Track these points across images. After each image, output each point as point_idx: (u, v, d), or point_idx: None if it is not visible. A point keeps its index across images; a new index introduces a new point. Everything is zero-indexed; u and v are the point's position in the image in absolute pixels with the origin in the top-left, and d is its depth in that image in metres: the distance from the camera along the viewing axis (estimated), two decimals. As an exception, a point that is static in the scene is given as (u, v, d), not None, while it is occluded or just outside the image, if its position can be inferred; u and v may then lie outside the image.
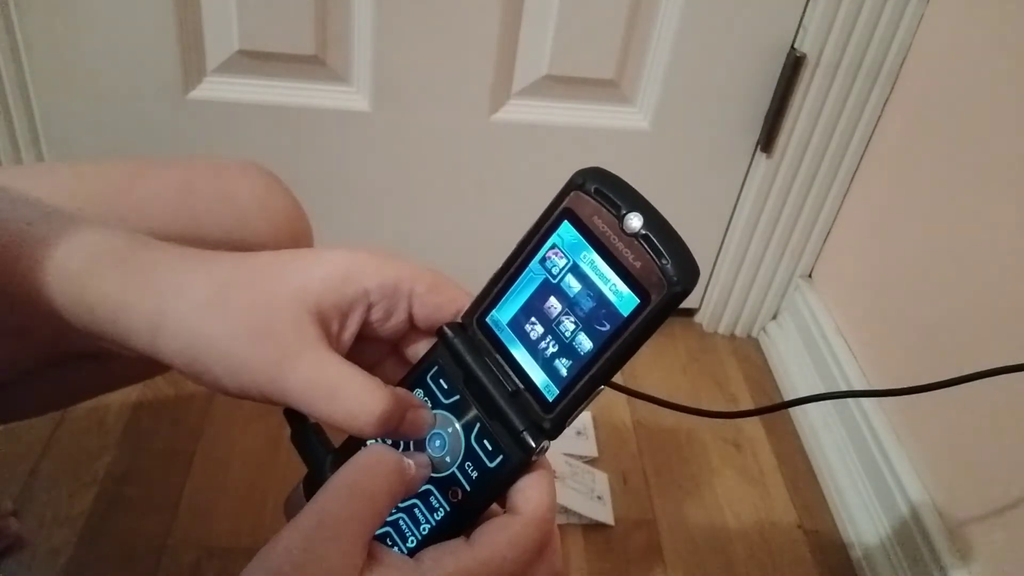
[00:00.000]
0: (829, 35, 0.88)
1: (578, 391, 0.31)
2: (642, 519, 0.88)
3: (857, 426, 0.90)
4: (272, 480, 0.85)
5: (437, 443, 0.33)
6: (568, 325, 0.31)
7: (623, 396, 1.02)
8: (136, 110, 0.90)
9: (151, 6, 0.83)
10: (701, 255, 1.09)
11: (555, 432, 0.32)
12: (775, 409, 0.97)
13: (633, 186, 0.31)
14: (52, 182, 0.46)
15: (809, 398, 0.67)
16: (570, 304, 0.31)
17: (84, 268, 0.33)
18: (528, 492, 0.32)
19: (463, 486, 0.33)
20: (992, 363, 0.70)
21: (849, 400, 0.93)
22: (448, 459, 0.33)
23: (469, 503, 0.32)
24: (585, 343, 0.31)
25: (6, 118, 0.88)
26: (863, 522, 0.87)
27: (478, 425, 0.33)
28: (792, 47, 0.91)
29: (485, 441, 0.32)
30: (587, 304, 0.31)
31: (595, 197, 0.31)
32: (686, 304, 1.04)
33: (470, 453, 0.32)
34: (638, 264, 0.29)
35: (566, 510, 0.86)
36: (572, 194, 0.31)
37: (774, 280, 1.09)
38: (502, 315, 0.33)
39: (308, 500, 0.33)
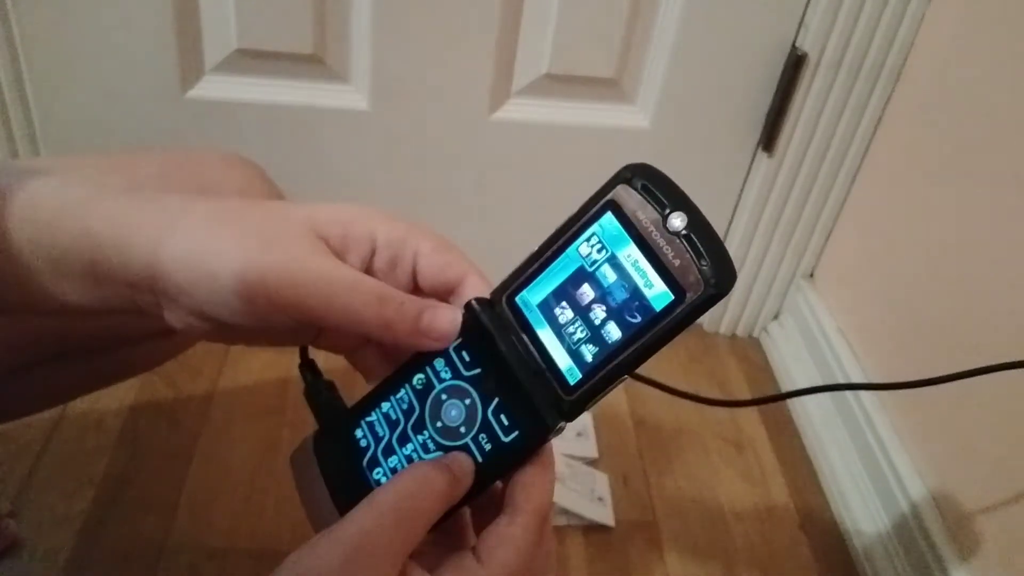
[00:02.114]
0: (830, 34, 0.88)
1: (601, 378, 0.31)
2: (643, 520, 0.88)
3: (859, 426, 0.90)
4: (271, 481, 0.85)
5: (453, 412, 0.34)
6: (599, 313, 0.32)
7: (623, 397, 1.02)
8: (134, 109, 0.90)
9: (149, 5, 0.83)
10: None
11: (573, 414, 0.32)
12: (774, 400, 0.97)
13: (680, 187, 0.31)
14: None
15: (808, 390, 0.67)
16: (603, 293, 0.32)
17: (87, 197, 0.32)
18: (530, 489, 0.32)
19: (475, 458, 0.33)
20: (994, 362, 0.70)
21: (851, 400, 0.92)
22: (463, 430, 0.33)
23: (479, 476, 0.33)
24: (614, 333, 0.31)
25: (3, 117, 0.88)
26: (864, 522, 0.86)
27: (497, 399, 0.33)
28: (793, 46, 0.91)
29: (502, 416, 0.33)
30: (620, 295, 0.31)
31: (641, 192, 0.31)
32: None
33: (486, 426, 0.33)
34: (677, 262, 0.30)
35: (566, 511, 0.86)
36: (618, 187, 0.32)
37: (775, 280, 1.09)
38: (533, 296, 0.33)
39: (315, 454, 0.35)
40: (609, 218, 0.32)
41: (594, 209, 0.32)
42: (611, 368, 0.31)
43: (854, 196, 0.99)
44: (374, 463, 0.34)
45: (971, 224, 0.79)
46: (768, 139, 0.96)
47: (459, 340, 0.34)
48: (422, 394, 0.34)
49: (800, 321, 1.06)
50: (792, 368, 1.06)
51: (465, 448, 0.33)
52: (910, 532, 0.80)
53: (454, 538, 0.34)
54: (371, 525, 0.29)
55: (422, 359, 0.34)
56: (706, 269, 0.30)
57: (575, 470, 0.90)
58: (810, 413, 0.99)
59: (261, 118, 0.91)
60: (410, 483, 0.31)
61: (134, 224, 0.31)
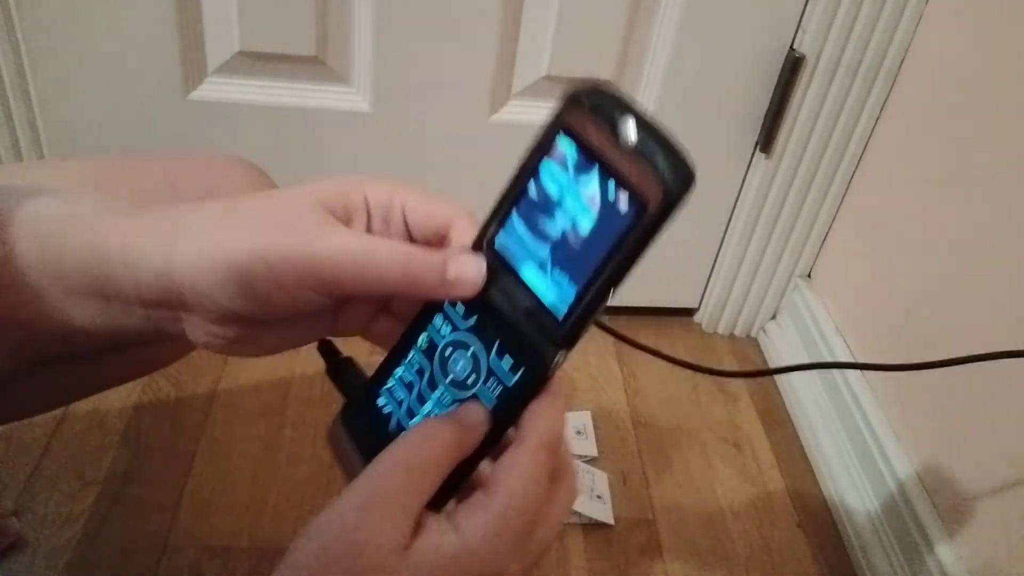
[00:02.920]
0: (828, 36, 0.88)
1: (587, 302, 0.31)
2: (642, 518, 0.88)
3: (857, 426, 0.91)
4: (273, 480, 0.85)
5: (460, 365, 0.34)
6: (573, 238, 0.32)
7: (623, 396, 1.03)
8: (137, 111, 0.90)
9: (152, 7, 0.83)
10: (700, 255, 1.09)
11: (570, 343, 0.32)
12: (766, 374, 1.00)
13: (629, 98, 0.31)
14: (37, 176, 0.46)
15: (798, 366, 0.67)
16: (572, 219, 0.32)
17: (92, 213, 0.33)
18: (536, 418, 0.33)
19: (486, 405, 0.34)
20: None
21: (847, 397, 0.93)
22: (471, 380, 0.34)
23: (493, 421, 0.33)
24: (590, 256, 0.31)
25: (7, 119, 0.88)
26: (862, 521, 0.87)
27: (496, 344, 0.33)
28: (791, 48, 0.91)
29: (504, 359, 0.33)
30: (588, 217, 0.31)
31: (591, 111, 0.31)
32: (686, 304, 1.05)
33: (490, 372, 0.34)
34: (635, 171, 0.30)
35: (566, 509, 0.86)
36: (568, 110, 0.32)
37: (773, 280, 1.09)
38: (509, 237, 0.34)
39: (345, 429, 0.36)
40: (565, 141, 0.32)
41: (549, 137, 0.32)
42: (595, 291, 0.31)
43: (851, 196, 1.00)
44: (400, 427, 0.36)
45: (967, 224, 0.79)
46: (766, 140, 0.97)
47: None
48: (429, 353, 0.35)
49: (797, 321, 1.07)
50: (790, 368, 1.06)
51: (475, 397, 0.34)
52: (906, 527, 0.80)
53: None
54: (382, 478, 0.30)
55: (423, 320, 0.36)
56: (664, 176, 0.29)
57: (575, 468, 0.90)
58: (807, 411, 1.00)
59: (263, 120, 0.92)
60: (416, 436, 0.32)
61: (143, 235, 0.31)
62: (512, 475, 0.31)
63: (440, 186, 0.99)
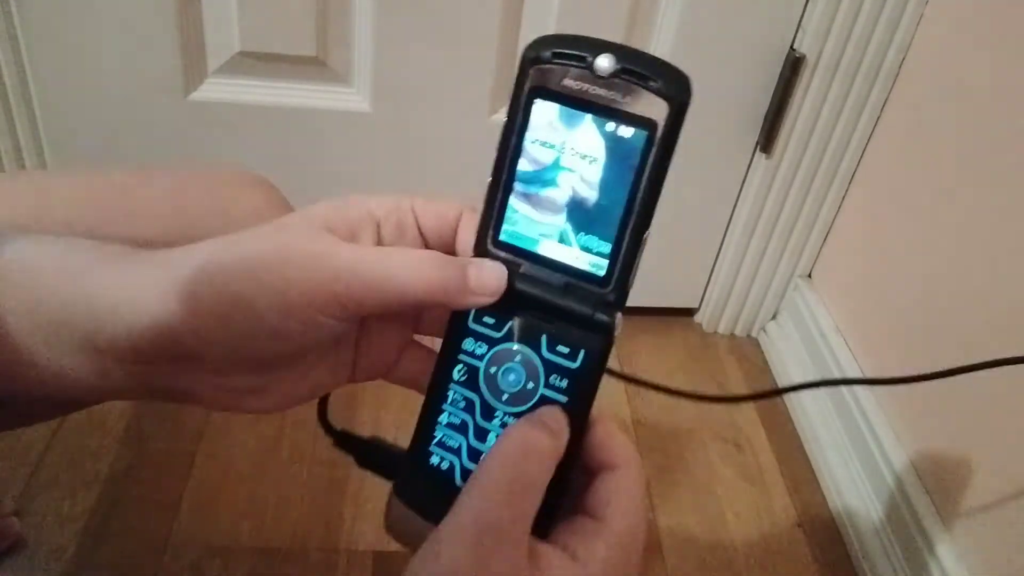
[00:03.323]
0: (828, 36, 0.88)
1: (627, 250, 0.30)
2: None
3: (857, 425, 0.91)
4: (273, 479, 0.85)
5: (512, 377, 0.32)
6: (587, 195, 0.30)
7: (623, 398, 1.03)
8: (137, 112, 0.90)
9: (152, 8, 0.83)
10: (700, 255, 1.09)
11: (622, 300, 0.31)
12: (771, 395, 0.96)
13: (581, 35, 0.30)
14: (47, 190, 0.45)
15: (806, 384, 0.68)
16: (580, 176, 0.30)
17: (85, 263, 0.31)
18: (610, 441, 0.31)
19: (559, 400, 0.31)
20: (991, 359, 0.70)
21: (848, 398, 0.93)
22: (530, 385, 0.32)
23: (572, 413, 0.31)
24: (612, 202, 0.30)
25: (8, 120, 0.88)
26: (862, 521, 0.87)
27: (544, 336, 0.31)
28: (791, 48, 0.91)
29: (559, 346, 0.31)
30: (596, 165, 0.30)
31: (555, 61, 0.30)
32: (686, 304, 1.05)
33: (550, 366, 0.31)
34: (629, 99, 0.29)
35: (566, 509, 0.86)
36: (531, 71, 0.31)
37: (773, 280, 1.09)
38: (514, 226, 0.32)
39: (407, 506, 0.32)
40: (540, 106, 0.30)
41: (524, 108, 0.31)
42: (630, 234, 0.30)
43: (851, 196, 1.00)
44: (467, 473, 0.32)
45: (968, 224, 0.79)
46: (766, 140, 0.97)
47: (474, 311, 0.32)
48: (471, 382, 0.32)
49: (798, 321, 1.07)
50: (790, 367, 1.06)
51: (544, 400, 0.31)
52: (907, 529, 0.80)
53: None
54: (485, 507, 0.27)
55: (450, 353, 0.33)
56: (660, 88, 0.28)
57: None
58: (808, 412, 1.00)
59: (263, 120, 0.92)
60: (512, 449, 0.29)
61: (136, 283, 0.29)
62: (624, 499, 0.30)
63: (440, 186, 1.00)
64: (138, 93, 0.89)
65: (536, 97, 0.30)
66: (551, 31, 0.88)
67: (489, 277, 0.31)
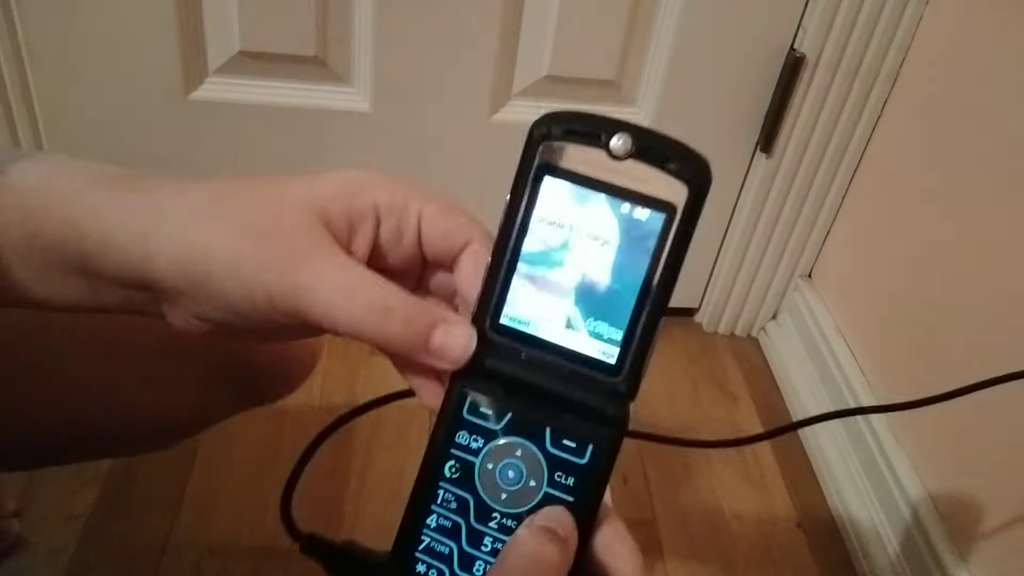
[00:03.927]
0: (828, 36, 0.88)
1: (641, 337, 0.28)
2: (642, 519, 0.88)
3: (856, 425, 0.90)
4: (273, 480, 0.85)
5: (511, 474, 0.29)
6: (598, 279, 0.28)
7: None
8: (137, 111, 0.90)
9: (152, 8, 0.83)
10: (700, 255, 1.09)
11: (634, 391, 0.29)
12: (788, 430, 0.90)
13: (595, 113, 0.29)
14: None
15: (817, 418, 0.67)
16: (591, 259, 0.28)
17: (74, 188, 0.30)
18: (619, 550, 0.29)
19: (564, 500, 0.29)
20: (992, 363, 0.70)
21: (848, 399, 0.93)
22: (533, 483, 0.29)
23: (579, 514, 0.29)
24: (625, 287, 0.28)
25: (8, 119, 0.88)
26: (862, 521, 0.87)
27: (548, 429, 0.29)
28: (792, 48, 0.91)
29: (564, 441, 0.29)
30: (609, 248, 0.28)
31: (567, 139, 0.28)
32: (686, 304, 1.04)
33: (554, 462, 0.29)
34: (647, 181, 0.27)
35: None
36: (541, 147, 0.28)
37: (774, 280, 1.09)
38: (517, 308, 0.29)
39: None
40: (549, 184, 0.28)
41: (532, 186, 0.29)
42: (645, 320, 0.28)
43: (852, 196, 1.00)
44: None
45: (967, 224, 0.79)
46: (766, 140, 0.97)
47: (467, 400, 0.30)
48: (464, 480, 0.29)
49: (798, 321, 1.07)
50: (790, 367, 1.06)
51: (547, 499, 0.29)
52: (908, 530, 0.80)
53: None
54: None
55: (439, 447, 0.30)
56: (679, 171, 0.27)
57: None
58: (808, 412, 1.00)
59: (263, 120, 0.92)
60: (519, 566, 0.27)
61: (120, 220, 0.29)
62: None
63: (440, 186, 0.99)
64: (138, 93, 0.89)
65: (545, 174, 0.28)
66: (551, 31, 0.88)
67: (453, 346, 0.29)
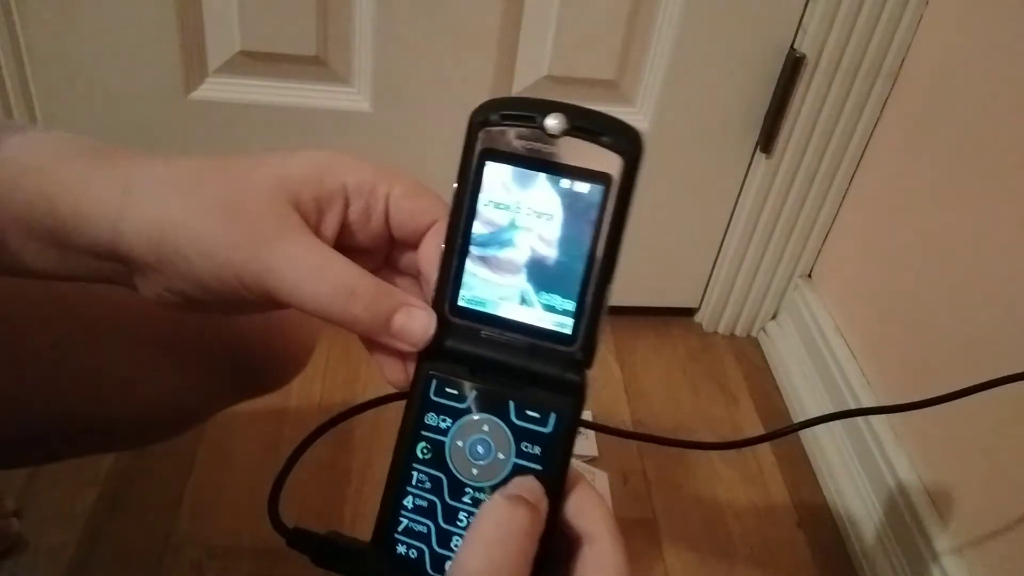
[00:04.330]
0: (828, 36, 0.88)
1: (592, 305, 0.30)
2: (642, 518, 0.88)
3: (856, 424, 0.91)
4: (273, 479, 0.85)
5: (480, 449, 0.30)
6: (546, 254, 0.30)
7: (623, 396, 1.03)
8: (138, 111, 0.90)
9: (152, 7, 0.83)
10: (700, 255, 1.09)
11: (590, 358, 0.30)
12: (785, 433, 0.89)
13: (528, 96, 0.30)
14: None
15: (817, 419, 0.67)
16: (538, 235, 0.30)
17: (47, 160, 0.31)
18: (591, 512, 0.30)
19: (533, 469, 0.30)
20: (993, 363, 0.70)
21: (848, 397, 0.93)
22: (502, 455, 0.30)
23: (548, 482, 0.30)
24: (572, 259, 0.30)
25: (8, 119, 0.88)
26: (862, 521, 0.87)
27: (512, 402, 0.30)
28: (792, 47, 0.91)
29: (528, 411, 0.30)
30: (554, 223, 0.30)
31: (504, 123, 0.30)
32: (686, 303, 1.04)
33: (521, 433, 0.30)
34: (583, 156, 0.29)
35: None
36: (480, 134, 0.31)
37: (773, 280, 1.09)
38: (473, 290, 0.31)
39: None
40: (492, 168, 0.30)
41: (476, 170, 0.30)
42: (593, 291, 0.30)
43: (851, 196, 1.00)
44: (438, 560, 0.31)
45: (968, 224, 0.79)
46: (766, 140, 0.97)
47: (433, 381, 0.31)
48: (436, 460, 0.31)
49: (798, 321, 1.07)
50: (790, 367, 1.06)
51: (516, 470, 0.30)
52: (908, 531, 0.80)
53: None
54: None
55: (410, 430, 0.31)
56: (612, 143, 0.29)
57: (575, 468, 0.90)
58: (808, 411, 1.00)
59: (263, 120, 0.92)
60: (491, 531, 0.27)
61: (91, 193, 0.29)
62: (607, 571, 0.29)
63: (441, 186, 0.99)
64: (138, 93, 0.89)
65: (488, 159, 0.30)
66: (551, 31, 0.88)
67: (414, 328, 0.30)
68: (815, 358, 1.02)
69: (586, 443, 0.95)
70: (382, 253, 0.34)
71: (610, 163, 0.29)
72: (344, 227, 0.32)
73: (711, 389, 1.06)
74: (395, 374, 0.32)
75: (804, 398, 1.01)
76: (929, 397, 0.61)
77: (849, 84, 0.92)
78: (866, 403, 0.90)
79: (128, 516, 0.80)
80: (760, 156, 0.99)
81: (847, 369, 0.95)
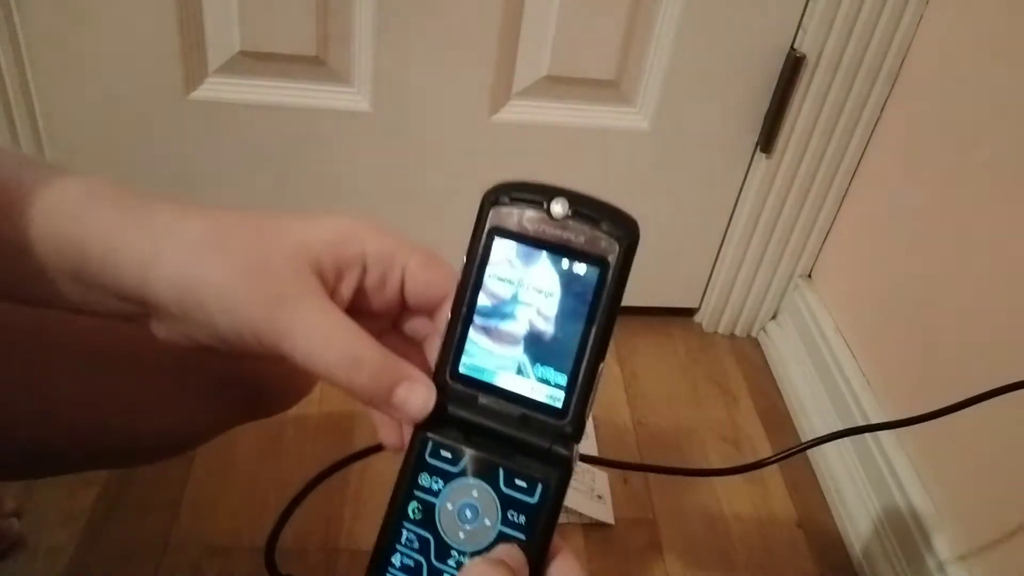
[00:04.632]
0: (829, 35, 0.88)
1: (583, 381, 0.31)
2: (642, 518, 0.88)
3: (856, 423, 0.90)
4: (273, 479, 0.85)
5: (468, 513, 0.32)
6: (543, 328, 0.32)
7: (623, 396, 1.03)
8: (137, 111, 0.90)
9: (152, 7, 0.83)
10: (700, 255, 1.09)
11: (578, 433, 0.32)
12: (797, 451, 0.88)
13: (538, 181, 0.32)
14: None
15: (826, 437, 0.67)
16: (536, 310, 0.32)
17: (78, 206, 0.32)
18: None
19: (516, 538, 0.31)
20: (994, 365, 0.70)
21: (848, 398, 0.93)
22: (488, 521, 0.31)
23: (530, 551, 0.31)
24: (568, 335, 0.31)
25: (8, 119, 0.88)
26: (862, 521, 0.87)
27: (501, 470, 0.32)
28: (792, 47, 0.91)
29: (516, 480, 0.32)
30: (553, 300, 0.31)
31: (513, 204, 0.32)
32: (686, 304, 1.05)
33: (507, 501, 0.31)
34: (582, 239, 0.31)
35: (566, 509, 0.86)
36: (491, 212, 0.32)
37: (774, 280, 1.09)
38: (474, 358, 0.33)
39: None
40: (500, 244, 0.32)
41: (485, 245, 0.32)
42: (585, 368, 0.31)
43: (852, 196, 1.00)
44: None
45: (967, 224, 0.79)
46: (766, 140, 0.97)
47: (429, 444, 0.33)
48: (426, 520, 0.32)
49: (798, 321, 1.07)
50: (790, 367, 1.06)
51: (501, 537, 0.31)
52: (908, 531, 0.80)
53: None
54: None
55: (404, 489, 0.33)
56: (610, 229, 0.31)
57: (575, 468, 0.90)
58: (807, 411, 1.00)
59: (263, 120, 0.92)
60: None
61: (123, 245, 0.31)
62: None
63: (440, 186, 1.00)
64: (138, 93, 0.89)
65: (495, 236, 0.32)
66: (551, 31, 0.88)
67: (414, 402, 0.32)
68: (815, 358, 1.02)
69: (586, 443, 0.95)
70: (392, 317, 0.36)
71: (608, 248, 0.31)
72: (359, 292, 0.34)
73: (711, 389, 1.06)
74: (391, 437, 0.34)
75: (804, 398, 1.01)
76: (934, 409, 0.61)
77: (849, 84, 0.92)
78: (866, 403, 0.90)
79: (128, 516, 0.80)
80: (760, 156, 0.99)
81: (847, 369, 0.95)
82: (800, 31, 0.90)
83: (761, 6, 0.89)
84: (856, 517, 0.88)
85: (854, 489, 0.89)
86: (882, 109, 0.94)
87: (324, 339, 0.31)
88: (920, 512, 0.79)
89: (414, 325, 0.36)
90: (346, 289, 0.33)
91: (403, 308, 0.35)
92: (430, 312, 0.35)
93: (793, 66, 0.91)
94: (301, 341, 0.30)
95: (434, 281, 0.34)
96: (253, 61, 0.89)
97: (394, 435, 0.34)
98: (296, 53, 0.88)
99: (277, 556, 0.41)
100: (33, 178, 0.32)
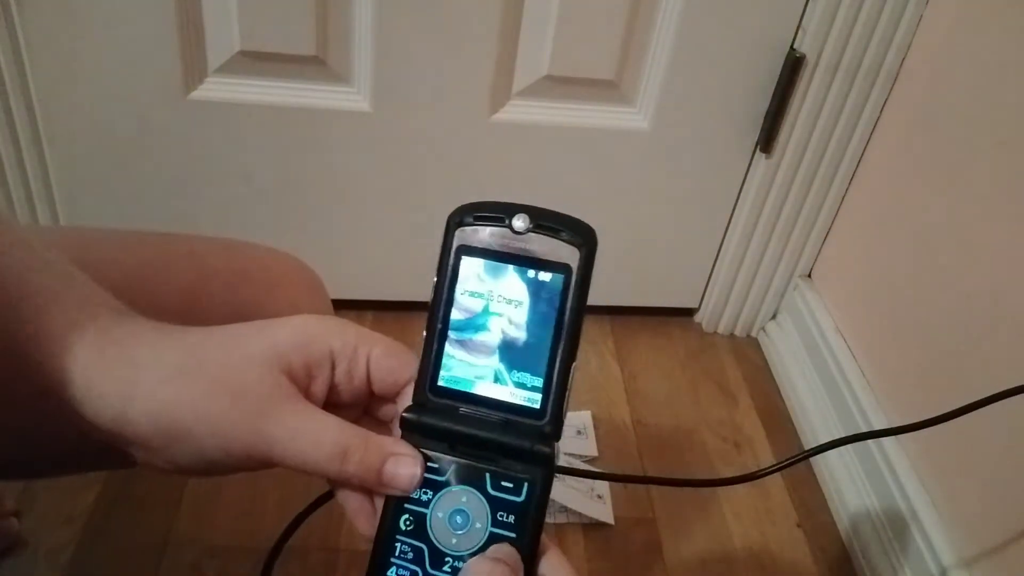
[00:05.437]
0: (828, 36, 0.88)
1: (557, 381, 0.33)
2: (642, 518, 0.88)
3: (856, 425, 0.91)
4: (273, 479, 0.85)
5: (459, 519, 0.33)
6: (516, 336, 0.33)
7: (623, 396, 1.03)
8: (137, 111, 0.90)
9: (152, 7, 0.83)
10: (700, 255, 1.09)
11: (558, 431, 0.33)
12: (796, 462, 0.89)
13: (497, 200, 0.34)
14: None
15: (830, 444, 0.67)
16: (508, 320, 0.33)
17: (67, 327, 0.33)
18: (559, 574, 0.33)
19: (508, 537, 0.33)
20: (995, 366, 0.70)
21: (848, 398, 0.93)
22: (479, 524, 0.33)
23: (521, 548, 0.32)
24: (539, 340, 0.33)
25: (8, 119, 0.88)
26: (862, 521, 0.87)
27: (488, 474, 0.33)
28: (791, 47, 0.91)
29: (503, 482, 0.33)
30: (522, 308, 0.33)
31: (477, 223, 0.34)
32: (685, 304, 1.05)
33: (496, 503, 0.33)
34: (546, 249, 0.33)
35: (566, 509, 0.86)
36: (456, 232, 0.34)
37: (773, 280, 1.09)
38: (451, 370, 0.34)
39: None
40: (467, 261, 0.34)
41: (453, 265, 0.34)
42: (559, 369, 0.33)
43: (851, 196, 1.00)
44: None
45: (967, 224, 0.79)
46: (766, 140, 0.97)
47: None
48: (418, 531, 0.33)
49: (798, 321, 1.07)
50: (790, 367, 1.06)
51: (493, 538, 0.33)
52: (908, 530, 0.80)
53: None
54: None
55: (393, 504, 0.34)
56: (570, 237, 0.33)
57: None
58: (807, 411, 1.00)
59: (263, 120, 0.92)
60: None
61: (102, 380, 0.32)
62: None
63: (440, 186, 1.00)
64: (138, 93, 0.89)
65: (463, 254, 0.34)
66: (551, 31, 0.88)
67: (403, 475, 0.33)
68: (815, 358, 1.02)
69: (586, 443, 0.95)
70: (362, 406, 0.38)
71: (569, 255, 0.33)
72: (331, 387, 0.35)
73: (711, 389, 1.06)
74: (365, 525, 0.35)
75: (804, 398, 1.01)
76: (937, 415, 0.60)
77: (849, 84, 0.92)
78: (866, 403, 0.90)
79: (128, 516, 0.80)
80: (760, 156, 0.99)
81: (847, 369, 0.95)
82: (800, 31, 0.90)
83: (761, 6, 0.89)
84: (856, 518, 0.88)
85: (854, 490, 0.89)
86: (882, 109, 0.94)
87: (309, 441, 0.32)
88: (920, 513, 0.79)
89: (385, 411, 0.38)
90: (319, 386, 0.35)
91: (372, 395, 0.37)
92: (394, 397, 0.37)
93: (793, 66, 0.91)
94: (289, 447, 0.32)
95: (396, 369, 0.36)
96: (253, 61, 0.89)
97: (368, 523, 0.35)
98: (296, 53, 0.88)
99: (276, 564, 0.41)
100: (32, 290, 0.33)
